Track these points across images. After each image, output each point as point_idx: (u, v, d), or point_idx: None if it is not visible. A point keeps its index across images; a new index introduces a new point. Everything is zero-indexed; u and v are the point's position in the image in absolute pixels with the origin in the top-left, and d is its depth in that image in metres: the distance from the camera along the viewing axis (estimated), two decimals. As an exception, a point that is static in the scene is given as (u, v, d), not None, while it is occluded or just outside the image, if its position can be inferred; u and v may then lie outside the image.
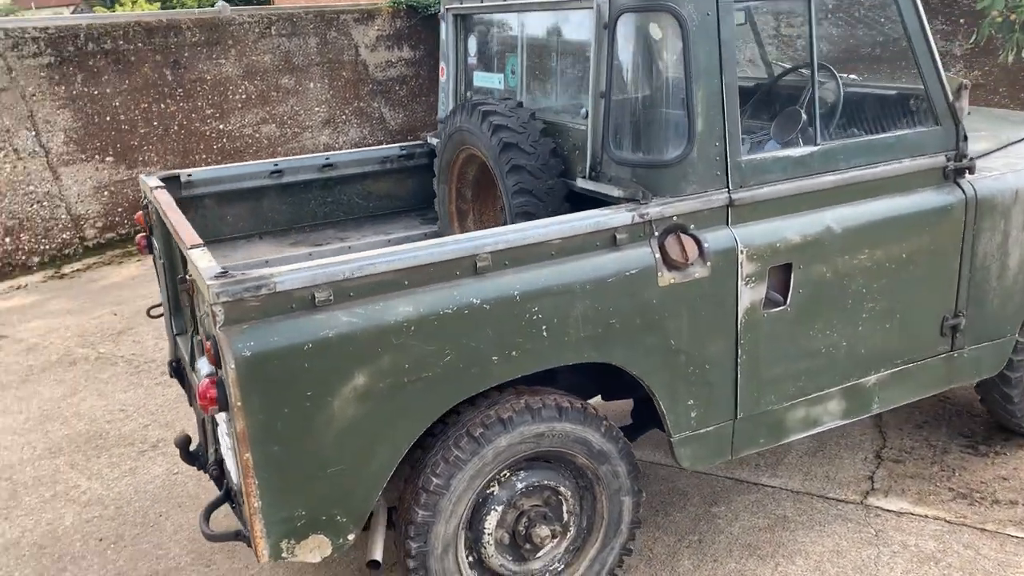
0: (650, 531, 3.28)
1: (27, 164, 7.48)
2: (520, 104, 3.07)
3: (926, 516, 3.26)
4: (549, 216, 2.59)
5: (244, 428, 2.08)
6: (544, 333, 2.40)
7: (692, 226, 2.58)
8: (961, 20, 8.67)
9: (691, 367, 2.65)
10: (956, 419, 3.95)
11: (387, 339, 2.19)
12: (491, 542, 2.60)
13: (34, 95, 7.48)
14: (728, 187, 2.61)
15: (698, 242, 2.57)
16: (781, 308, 2.74)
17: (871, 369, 3.01)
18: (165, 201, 2.92)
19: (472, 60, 3.61)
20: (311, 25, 10.00)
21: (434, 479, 2.45)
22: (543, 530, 2.63)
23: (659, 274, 2.51)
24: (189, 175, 3.47)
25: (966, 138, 3.01)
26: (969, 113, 3.71)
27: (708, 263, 2.57)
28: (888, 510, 3.32)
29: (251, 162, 4.00)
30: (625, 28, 2.58)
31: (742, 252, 2.62)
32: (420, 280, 2.25)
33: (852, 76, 3.42)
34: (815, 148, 2.75)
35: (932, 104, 2.95)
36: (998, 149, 3.39)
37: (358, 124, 10.60)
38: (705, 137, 2.54)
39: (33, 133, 7.49)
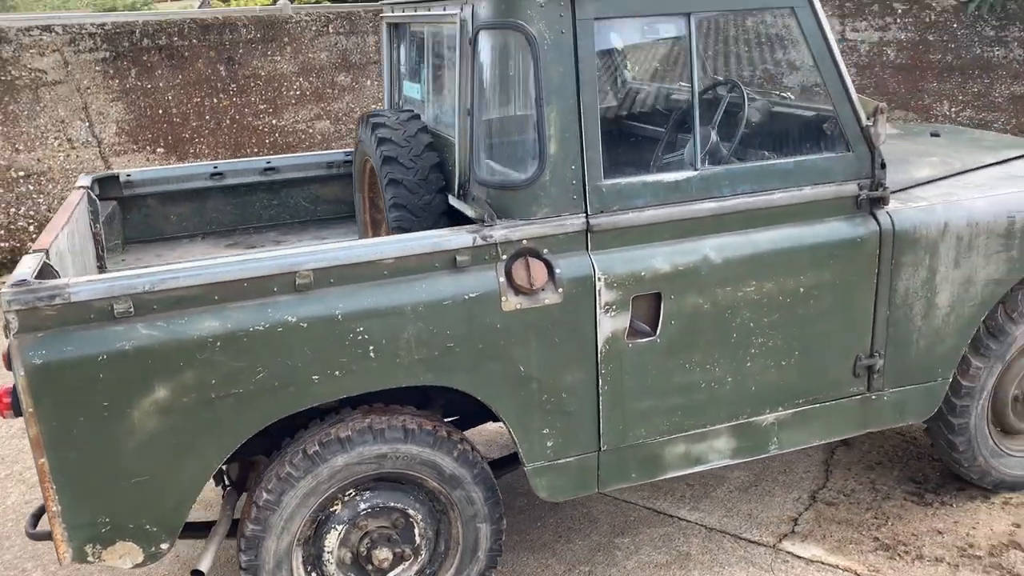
0: (544, 557, 3.19)
1: (80, 153, 7.90)
2: (416, 116, 3.03)
3: (837, 567, 3.06)
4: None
5: (37, 434, 2.13)
6: (371, 354, 2.36)
7: (546, 250, 2.49)
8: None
9: (545, 395, 2.56)
10: (914, 462, 3.68)
11: (190, 354, 2.20)
12: (332, 560, 2.59)
13: (88, 88, 7.88)
14: (586, 212, 2.50)
15: (549, 267, 2.47)
16: (650, 339, 2.61)
17: (766, 407, 2.84)
18: (68, 202, 3.02)
19: (403, 69, 3.59)
20: (370, 24, 10.15)
21: (265, 495, 2.45)
22: (384, 552, 2.60)
23: (503, 299, 2.43)
24: (128, 175, 3.58)
25: (884, 165, 2.80)
26: (937, 135, 3.47)
27: (560, 289, 2.48)
28: (799, 556, 3.12)
29: (191, 163, 4.10)
30: (484, 45, 2.50)
31: (599, 279, 2.51)
32: (231, 295, 2.24)
33: (788, 95, 3.23)
34: (693, 173, 2.60)
35: (843, 129, 2.75)
36: (946, 177, 3.14)
37: (416, 122, 10.69)
38: (559, 160, 2.45)
39: (87, 124, 7.89)
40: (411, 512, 2.63)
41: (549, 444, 2.61)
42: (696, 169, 2.61)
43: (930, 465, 3.64)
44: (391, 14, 3.53)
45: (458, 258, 2.41)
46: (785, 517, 3.35)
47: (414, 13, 3.19)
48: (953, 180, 3.12)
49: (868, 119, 2.75)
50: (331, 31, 9.74)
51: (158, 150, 8.35)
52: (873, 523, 3.29)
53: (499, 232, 2.43)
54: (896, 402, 3.02)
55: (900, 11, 8.84)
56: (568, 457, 2.65)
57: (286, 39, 9.34)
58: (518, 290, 2.45)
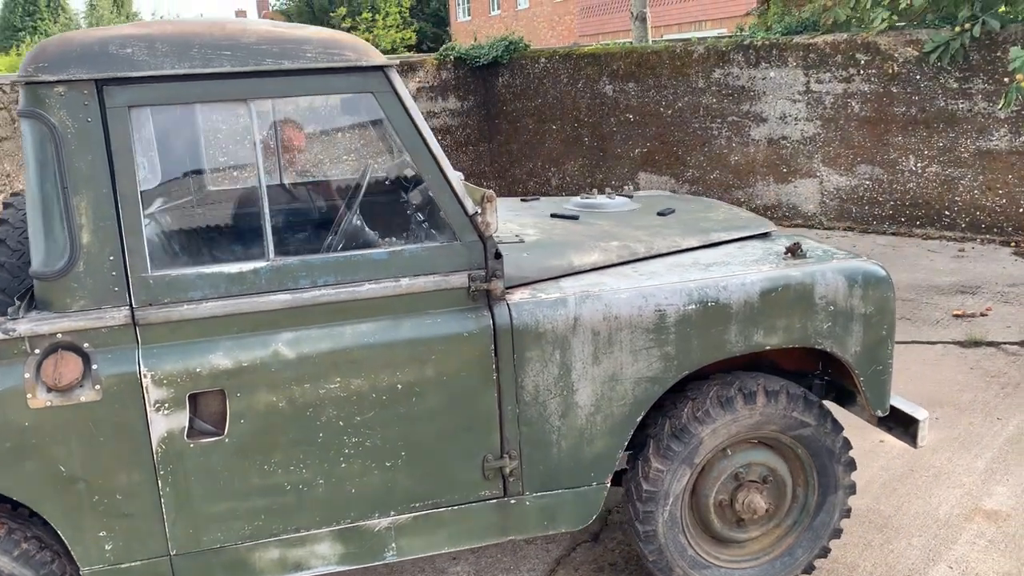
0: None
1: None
2: None
3: None
4: None
5: None
6: None
7: (87, 345, 2.39)
8: (1005, 79, 7.61)
9: (96, 497, 2.45)
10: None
11: None
12: None
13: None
14: (131, 304, 2.40)
15: (87, 362, 2.38)
16: (217, 439, 2.48)
17: (375, 511, 2.65)
18: None
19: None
20: (340, 78, 10.31)
21: None
22: None
23: (29, 396, 2.35)
24: None
25: (499, 255, 2.61)
26: (671, 212, 3.25)
27: (98, 386, 2.37)
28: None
29: None
30: (24, 133, 2.45)
31: (146, 376, 2.39)
32: None
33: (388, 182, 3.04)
34: (262, 264, 2.47)
35: (447, 217, 2.58)
36: (616, 264, 2.91)
37: (390, 174, 10.76)
38: (94, 250, 2.36)
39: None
40: None
41: (108, 547, 2.49)
42: (267, 260, 2.48)
43: (662, 570, 3.34)
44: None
45: None
46: (475, 622, 3.13)
47: None
48: (621, 268, 2.89)
49: (477, 207, 2.57)
50: (297, 86, 9.91)
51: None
52: (561, 635, 3.04)
53: (24, 326, 2.35)
54: (542, 508, 2.78)
55: (863, 62, 8.47)
56: (133, 561, 2.52)
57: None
58: (49, 387, 2.36)
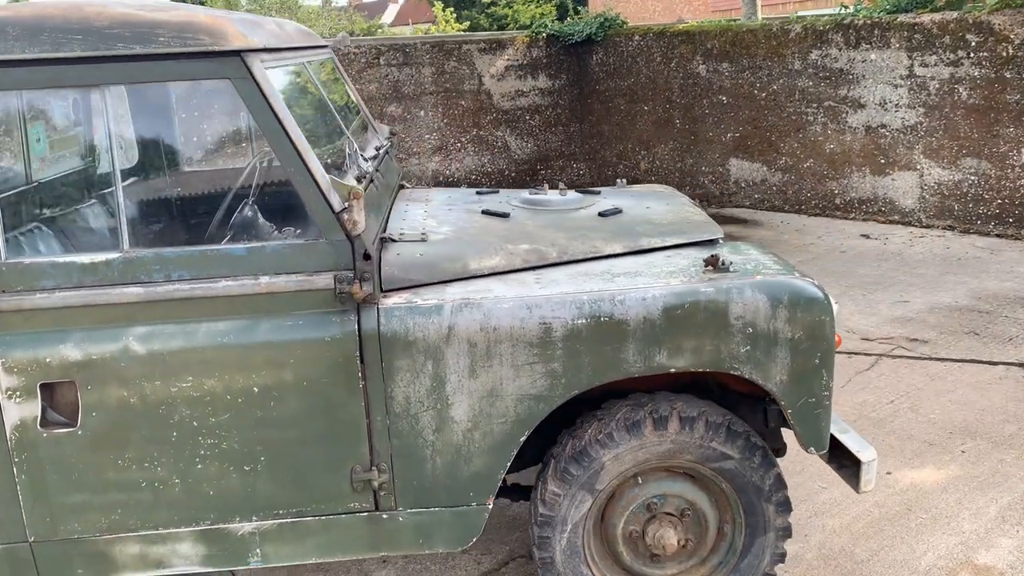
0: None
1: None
2: None
3: None
4: None
5: None
6: None
7: (-58, 331, 2.40)
8: None
9: (-45, 479, 2.47)
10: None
11: None
12: None
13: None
14: (-16, 292, 2.39)
15: None
16: (70, 430, 2.44)
17: (237, 516, 2.55)
18: None
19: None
20: (426, 55, 10.28)
21: None
22: None
23: None
24: None
25: (367, 256, 2.44)
26: (615, 213, 3.02)
27: (-51, 372, 2.38)
28: None
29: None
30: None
31: (-1, 364, 2.38)
32: None
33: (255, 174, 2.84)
34: (115, 256, 2.40)
35: (312, 214, 2.43)
36: (518, 270, 2.68)
37: (476, 152, 10.69)
38: (-53, 237, 2.36)
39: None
40: None
41: None
42: (121, 251, 2.41)
43: (586, 597, 3.11)
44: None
45: None
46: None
47: None
48: (521, 275, 2.66)
49: (344, 203, 2.41)
50: (382, 63, 9.96)
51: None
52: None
53: None
54: (417, 525, 2.61)
55: (974, 44, 7.67)
56: (-6, 544, 2.53)
57: (330, 71, 9.66)
58: (-97, 371, 2.38)
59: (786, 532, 2.76)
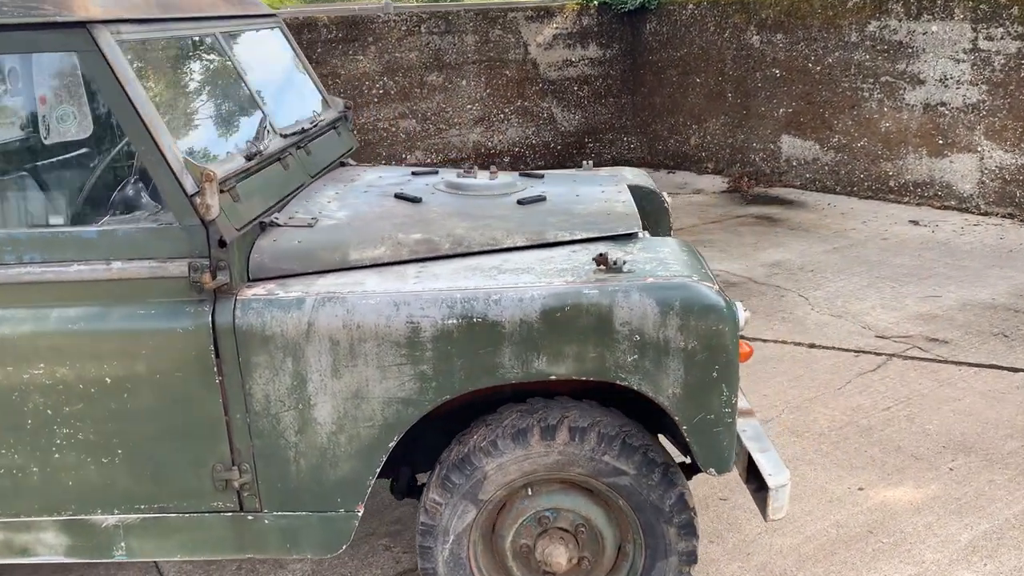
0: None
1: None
2: None
3: None
4: None
5: None
6: None
7: None
8: None
9: None
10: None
11: None
12: None
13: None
14: None
15: None
16: (-70, 410, 2.38)
17: (98, 508, 2.46)
18: None
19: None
20: (470, 23, 10.05)
21: None
22: None
23: None
24: None
25: (223, 243, 2.28)
26: (537, 201, 2.82)
27: None
28: None
29: None
30: None
31: None
32: None
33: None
34: (-41, 235, 2.31)
35: (165, 197, 2.29)
36: (406, 261, 2.50)
37: (519, 124, 10.45)
38: None
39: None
40: None
41: None
42: (-32, 231, 2.32)
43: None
44: None
45: None
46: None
47: None
48: (404, 267, 2.46)
49: (194, 187, 2.26)
50: (423, 31, 9.77)
51: (225, 142, 8.95)
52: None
53: None
54: (283, 528, 2.47)
55: (1045, 15, 7.03)
56: None
57: (370, 38, 9.53)
58: None
59: (690, 558, 2.51)
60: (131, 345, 2.31)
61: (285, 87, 3.37)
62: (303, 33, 9.17)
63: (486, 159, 10.30)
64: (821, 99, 8.94)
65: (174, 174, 2.26)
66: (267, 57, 3.31)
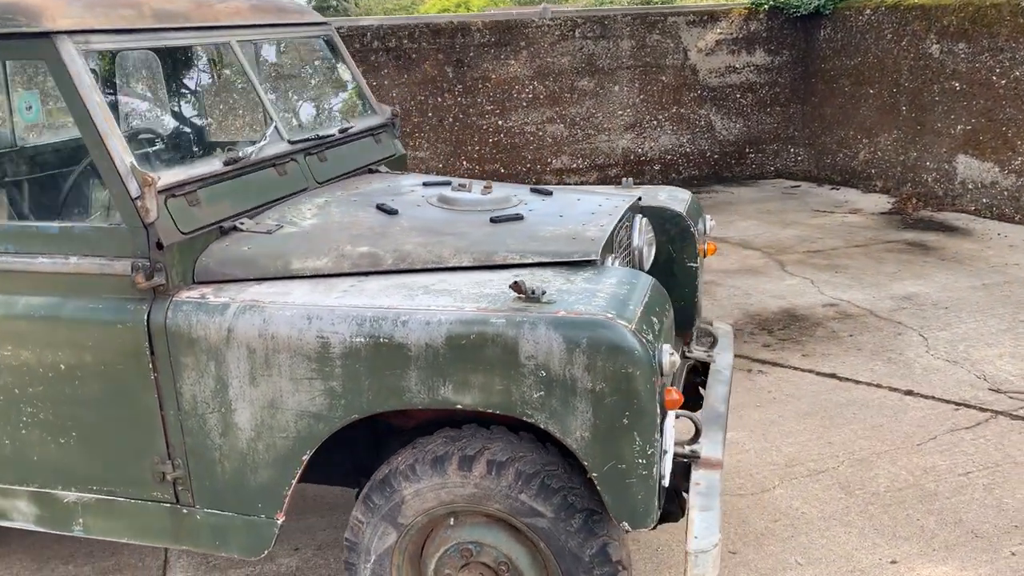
0: None
1: (306, 137, 9.21)
2: None
3: None
4: None
5: None
6: None
7: None
8: None
9: None
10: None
11: None
12: None
13: (318, 82, 9.11)
14: None
15: None
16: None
17: (59, 484, 2.63)
18: None
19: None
20: (626, 28, 9.88)
21: None
22: None
23: None
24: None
25: (160, 245, 2.37)
26: (514, 220, 2.78)
27: None
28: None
29: None
30: None
31: None
32: None
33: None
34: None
35: (114, 199, 2.40)
36: (346, 274, 2.48)
37: (673, 131, 10.17)
38: None
39: (315, 113, 9.16)
40: None
41: None
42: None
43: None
44: None
45: None
46: None
47: None
48: (342, 280, 2.44)
49: (137, 189, 2.36)
50: (577, 35, 9.72)
51: (376, 140, 9.32)
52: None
53: None
54: (214, 526, 2.53)
55: None
56: None
57: (522, 43, 9.58)
58: None
59: (613, 613, 2.33)
60: (81, 336, 2.46)
61: (315, 94, 3.45)
62: (455, 37, 9.38)
63: (635, 166, 10.09)
64: (1005, 116, 8.04)
65: (121, 178, 2.37)
66: (299, 65, 3.40)
